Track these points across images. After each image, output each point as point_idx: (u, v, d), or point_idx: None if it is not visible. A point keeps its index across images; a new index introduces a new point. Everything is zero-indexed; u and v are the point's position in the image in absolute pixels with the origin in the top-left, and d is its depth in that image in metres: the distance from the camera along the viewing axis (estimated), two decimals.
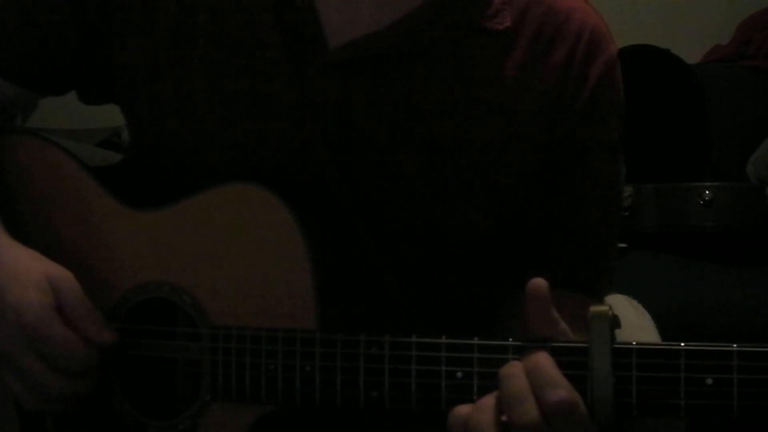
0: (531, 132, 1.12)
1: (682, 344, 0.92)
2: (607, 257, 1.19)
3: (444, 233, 1.13)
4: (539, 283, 0.94)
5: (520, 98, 1.11)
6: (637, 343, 0.93)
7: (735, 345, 0.90)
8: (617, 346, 0.93)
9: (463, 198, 1.12)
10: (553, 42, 1.12)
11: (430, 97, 1.10)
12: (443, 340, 0.99)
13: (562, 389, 0.92)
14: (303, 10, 1.11)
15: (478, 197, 1.12)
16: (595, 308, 0.93)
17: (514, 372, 0.93)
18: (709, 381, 0.90)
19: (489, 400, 0.94)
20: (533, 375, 0.92)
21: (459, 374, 0.98)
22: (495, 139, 1.11)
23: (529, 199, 1.14)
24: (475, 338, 0.97)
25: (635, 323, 1.94)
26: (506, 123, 1.11)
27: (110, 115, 1.35)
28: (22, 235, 1.13)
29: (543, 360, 0.93)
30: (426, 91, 1.10)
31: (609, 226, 1.19)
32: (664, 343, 0.93)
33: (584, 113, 1.13)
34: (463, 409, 0.96)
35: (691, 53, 2.69)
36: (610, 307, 0.93)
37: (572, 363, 0.94)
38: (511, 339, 0.96)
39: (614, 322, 0.93)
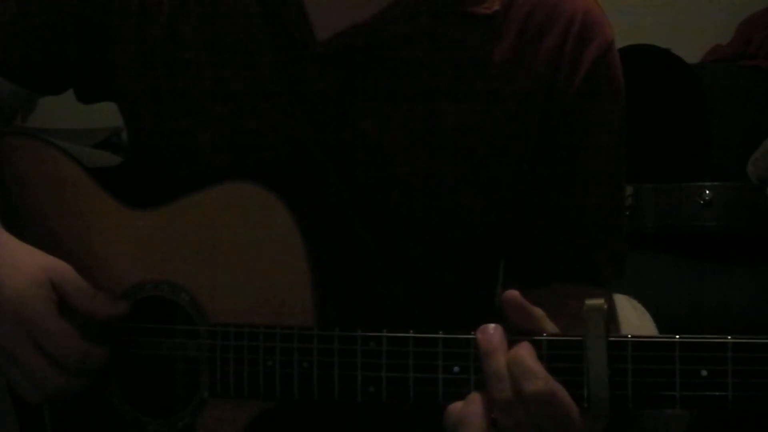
0: (523, 118, 1.11)
1: (677, 336, 0.92)
2: (610, 245, 1.18)
3: (442, 226, 1.13)
4: (512, 293, 0.96)
5: (512, 83, 1.10)
6: (632, 336, 0.93)
7: (729, 337, 0.91)
8: (612, 339, 0.93)
9: (459, 188, 1.11)
10: (544, 25, 1.11)
11: (420, 85, 1.10)
12: (440, 334, 0.99)
13: (539, 380, 0.93)
14: (289, 3, 1.11)
15: (475, 187, 1.12)
16: (589, 301, 0.93)
17: (494, 350, 0.95)
18: (704, 372, 0.91)
19: (480, 394, 0.96)
20: (512, 367, 0.94)
21: (456, 368, 0.98)
22: (487, 126, 1.11)
23: (528, 187, 1.13)
24: (472, 332, 0.97)
25: (635, 323, 1.94)
26: (498, 109, 1.10)
27: (110, 115, 1.36)
28: (20, 235, 1.13)
29: (522, 351, 0.94)
30: (416, 80, 1.10)
31: (610, 213, 1.17)
32: (658, 335, 0.94)
33: (579, 97, 1.11)
34: (456, 405, 0.97)
35: (691, 53, 2.69)
36: (605, 300, 0.93)
37: (568, 356, 0.94)
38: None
39: (610, 315, 0.93)
